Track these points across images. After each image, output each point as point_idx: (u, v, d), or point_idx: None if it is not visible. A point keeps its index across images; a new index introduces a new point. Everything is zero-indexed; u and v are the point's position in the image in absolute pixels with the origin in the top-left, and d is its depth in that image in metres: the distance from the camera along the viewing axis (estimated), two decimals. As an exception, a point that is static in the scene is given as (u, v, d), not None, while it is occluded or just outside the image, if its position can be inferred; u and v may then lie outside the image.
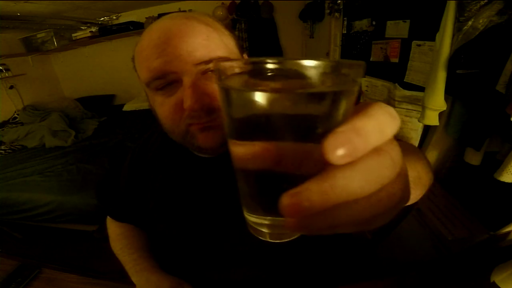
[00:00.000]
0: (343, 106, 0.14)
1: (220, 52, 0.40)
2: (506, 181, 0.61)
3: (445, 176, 0.98)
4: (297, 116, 0.13)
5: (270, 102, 0.13)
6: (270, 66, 0.14)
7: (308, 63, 0.13)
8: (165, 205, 0.54)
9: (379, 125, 0.12)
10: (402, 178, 0.14)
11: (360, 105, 0.13)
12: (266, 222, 0.17)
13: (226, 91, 0.15)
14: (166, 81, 0.39)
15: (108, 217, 0.68)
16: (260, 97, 0.13)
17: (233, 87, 0.15)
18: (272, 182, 0.15)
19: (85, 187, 1.55)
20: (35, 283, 0.62)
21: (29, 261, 0.67)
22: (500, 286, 0.49)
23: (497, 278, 0.50)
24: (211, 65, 0.39)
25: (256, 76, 0.15)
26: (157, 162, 0.56)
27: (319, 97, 0.13)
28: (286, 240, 0.17)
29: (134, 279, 0.55)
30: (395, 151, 0.13)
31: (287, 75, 0.14)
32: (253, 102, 0.14)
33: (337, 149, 0.11)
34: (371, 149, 0.12)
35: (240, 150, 0.15)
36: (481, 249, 0.71)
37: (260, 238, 0.18)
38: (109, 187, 1.58)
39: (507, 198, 0.69)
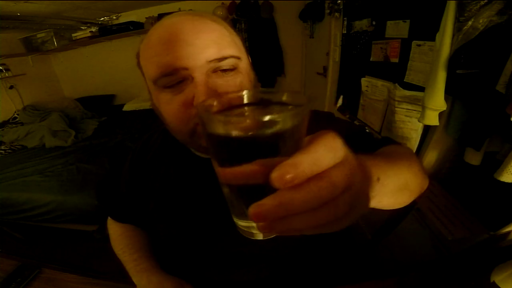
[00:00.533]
0: (293, 136, 0.18)
1: (231, 50, 0.40)
2: (506, 181, 0.61)
3: (445, 176, 0.98)
4: (261, 142, 0.18)
5: (244, 142, 0.18)
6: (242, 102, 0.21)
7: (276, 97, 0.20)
8: (166, 206, 0.53)
9: (314, 159, 0.16)
10: (350, 194, 0.17)
11: (315, 135, 0.17)
12: (252, 224, 0.21)
13: (212, 135, 0.19)
14: (175, 78, 0.38)
15: (108, 217, 0.68)
16: (237, 141, 0.18)
17: (219, 133, 0.18)
18: (250, 193, 0.19)
19: (85, 187, 1.55)
20: (35, 283, 0.62)
21: (29, 261, 0.67)
22: (500, 286, 0.49)
23: (497, 278, 0.50)
24: (223, 63, 0.38)
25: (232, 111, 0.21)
26: (157, 163, 0.56)
27: (276, 135, 0.17)
28: (269, 237, 0.22)
29: (135, 279, 0.55)
30: (337, 176, 0.16)
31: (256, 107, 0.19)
32: (232, 142, 0.18)
33: (280, 178, 0.15)
34: (312, 175, 0.16)
35: (224, 171, 0.19)
36: (481, 249, 0.71)
37: (249, 237, 0.23)
38: (109, 187, 1.58)
39: (507, 198, 0.69)
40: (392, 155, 0.38)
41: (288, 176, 0.15)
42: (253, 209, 0.16)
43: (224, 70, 0.39)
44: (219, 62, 0.38)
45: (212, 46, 0.38)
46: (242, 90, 0.24)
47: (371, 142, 0.46)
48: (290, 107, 0.21)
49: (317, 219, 0.16)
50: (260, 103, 0.23)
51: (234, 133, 0.18)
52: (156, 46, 0.38)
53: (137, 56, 0.45)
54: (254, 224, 0.20)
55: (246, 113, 0.22)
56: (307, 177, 0.16)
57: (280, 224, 0.16)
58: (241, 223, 0.22)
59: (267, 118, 0.17)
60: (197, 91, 0.37)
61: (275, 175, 0.15)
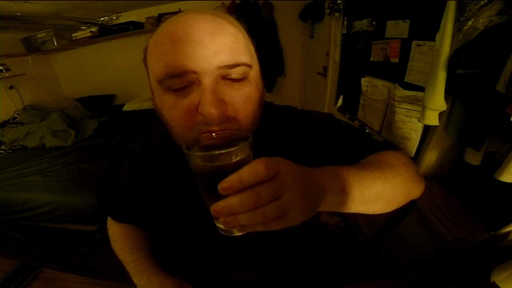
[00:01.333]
0: (242, 161, 0.29)
1: (244, 57, 0.38)
2: (506, 181, 0.61)
3: (445, 176, 0.98)
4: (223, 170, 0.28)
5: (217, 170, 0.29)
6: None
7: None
8: (166, 206, 0.53)
9: (239, 178, 0.24)
10: (279, 202, 0.25)
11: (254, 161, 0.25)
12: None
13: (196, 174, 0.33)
14: (183, 81, 0.36)
15: (108, 217, 0.68)
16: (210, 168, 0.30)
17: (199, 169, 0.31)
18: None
19: (85, 187, 1.55)
20: (35, 283, 0.62)
21: (29, 261, 0.67)
22: (500, 286, 0.49)
23: (497, 278, 0.50)
24: (233, 71, 0.37)
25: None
26: (157, 163, 0.56)
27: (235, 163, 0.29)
28: (242, 233, 0.30)
29: (135, 279, 0.55)
30: (261, 189, 0.25)
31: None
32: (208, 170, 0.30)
33: (220, 188, 0.25)
34: (244, 188, 0.25)
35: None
36: (481, 249, 0.71)
37: (228, 234, 0.33)
38: (109, 188, 1.58)
39: (507, 198, 0.69)
40: (373, 165, 0.39)
41: (223, 186, 0.25)
42: (212, 208, 0.26)
43: (233, 80, 0.38)
44: (230, 69, 0.36)
45: (226, 51, 0.36)
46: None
47: (366, 146, 0.46)
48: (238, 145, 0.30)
49: (254, 218, 0.25)
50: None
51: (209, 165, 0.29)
52: (167, 43, 0.36)
53: (145, 51, 0.43)
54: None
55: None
56: (237, 189, 0.25)
57: (232, 220, 0.25)
58: (220, 225, 0.31)
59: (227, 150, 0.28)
60: (203, 98, 0.35)
61: (219, 186, 0.25)
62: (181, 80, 0.36)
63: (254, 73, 0.41)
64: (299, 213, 0.26)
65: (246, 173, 0.24)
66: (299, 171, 0.28)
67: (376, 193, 0.35)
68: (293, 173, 0.27)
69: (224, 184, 0.25)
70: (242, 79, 0.39)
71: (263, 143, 0.39)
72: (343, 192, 0.32)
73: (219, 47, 0.35)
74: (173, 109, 0.38)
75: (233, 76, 0.38)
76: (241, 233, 0.30)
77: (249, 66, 0.39)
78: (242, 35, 0.40)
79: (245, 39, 0.41)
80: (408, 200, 0.41)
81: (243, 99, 0.39)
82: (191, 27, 0.35)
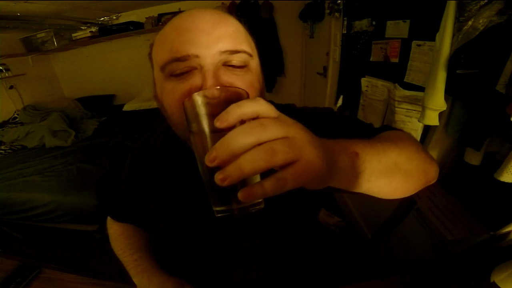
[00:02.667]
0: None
1: (245, 46, 0.39)
2: (506, 181, 0.61)
3: (445, 176, 0.98)
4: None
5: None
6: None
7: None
8: (166, 206, 0.53)
9: (238, 105, 0.22)
10: (289, 141, 0.21)
11: None
12: (227, 207, 0.26)
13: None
14: (185, 65, 0.37)
15: (108, 217, 0.68)
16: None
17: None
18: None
19: (85, 187, 1.55)
20: (35, 283, 0.62)
21: (29, 261, 0.67)
22: (500, 286, 0.49)
23: (497, 278, 0.50)
24: (234, 57, 0.38)
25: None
26: (158, 162, 0.56)
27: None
28: (244, 211, 0.26)
29: (135, 280, 0.55)
30: (266, 121, 0.22)
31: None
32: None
33: (218, 119, 0.22)
34: (244, 118, 0.22)
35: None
36: (481, 249, 0.71)
37: (224, 214, 0.26)
38: (109, 187, 1.58)
39: (507, 198, 0.69)
40: (382, 138, 0.37)
41: (221, 117, 0.22)
42: (207, 156, 0.21)
43: (234, 66, 0.39)
44: (232, 54, 0.37)
45: (227, 38, 0.37)
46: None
47: (369, 131, 0.46)
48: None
49: (260, 155, 0.20)
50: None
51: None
52: (173, 32, 0.38)
53: (150, 46, 0.44)
54: (233, 206, 0.25)
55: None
56: (236, 117, 0.22)
57: (232, 168, 0.20)
58: (218, 208, 0.26)
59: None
60: (205, 80, 0.36)
61: (215, 120, 0.22)
62: (183, 65, 0.37)
63: (255, 63, 0.42)
64: (314, 158, 0.22)
65: (246, 102, 0.22)
66: (305, 127, 0.25)
67: (393, 161, 0.32)
68: (299, 124, 0.24)
69: (221, 116, 0.22)
70: (243, 67, 0.39)
71: None
72: (357, 157, 0.29)
73: (221, 34, 0.37)
74: (172, 95, 0.38)
75: (234, 63, 0.38)
76: (241, 207, 0.25)
77: (250, 54, 0.40)
78: (242, 28, 0.41)
79: (246, 33, 0.42)
80: (426, 178, 0.38)
81: (245, 84, 0.39)
82: (196, 18, 0.37)
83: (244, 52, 0.39)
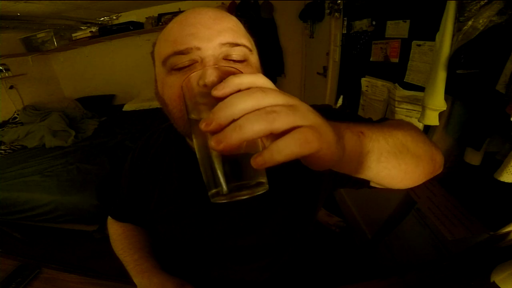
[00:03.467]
0: None
1: (244, 41, 0.40)
2: (506, 181, 0.61)
3: (445, 176, 0.98)
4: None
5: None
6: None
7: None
8: (166, 205, 0.53)
9: (237, 77, 0.21)
10: (292, 107, 0.20)
11: None
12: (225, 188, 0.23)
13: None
14: (186, 58, 0.37)
15: (109, 217, 0.68)
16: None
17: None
18: (224, 159, 0.23)
19: (85, 187, 1.55)
20: (35, 283, 0.62)
21: (29, 261, 0.67)
22: (500, 286, 0.49)
23: (497, 278, 0.50)
24: (235, 50, 0.38)
25: None
26: (158, 162, 0.56)
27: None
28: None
29: (136, 279, 0.55)
30: (266, 89, 0.21)
31: None
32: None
33: (216, 88, 0.21)
34: (242, 87, 0.21)
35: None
36: (481, 249, 0.71)
37: (221, 199, 0.24)
38: (109, 187, 1.58)
39: (507, 198, 0.69)
40: (385, 124, 0.36)
41: (222, 86, 0.21)
42: (202, 120, 0.20)
43: (235, 61, 0.39)
44: (232, 47, 0.38)
45: (228, 31, 0.38)
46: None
47: (370, 122, 0.45)
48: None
49: (260, 118, 0.19)
50: None
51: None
52: (174, 27, 0.39)
53: (153, 44, 0.44)
54: (225, 188, 0.23)
55: None
56: (235, 86, 0.21)
57: (230, 128, 0.19)
58: (214, 191, 0.24)
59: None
60: (205, 70, 0.36)
61: (213, 90, 0.22)
62: (185, 58, 0.37)
63: (254, 58, 0.43)
64: (319, 125, 0.21)
65: (245, 74, 0.22)
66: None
67: (401, 142, 0.31)
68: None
69: (219, 85, 0.21)
70: (243, 61, 0.40)
71: None
72: (364, 135, 0.27)
73: (222, 28, 0.38)
74: (173, 88, 0.38)
75: (234, 57, 0.39)
76: (239, 184, 0.23)
77: (249, 49, 0.40)
78: (241, 25, 0.42)
79: (245, 30, 0.43)
80: (434, 164, 0.37)
81: None
82: (198, 14, 0.39)
83: (244, 46, 0.39)
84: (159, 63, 0.41)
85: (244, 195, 0.24)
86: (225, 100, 0.20)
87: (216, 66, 0.32)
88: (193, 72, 0.29)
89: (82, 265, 1.50)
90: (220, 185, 0.23)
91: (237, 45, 0.38)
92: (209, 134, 0.21)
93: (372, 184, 0.44)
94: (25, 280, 0.61)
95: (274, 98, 0.20)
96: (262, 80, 0.22)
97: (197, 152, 0.25)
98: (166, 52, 0.38)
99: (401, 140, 0.31)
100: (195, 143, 0.25)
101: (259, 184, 0.24)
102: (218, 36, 0.37)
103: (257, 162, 0.19)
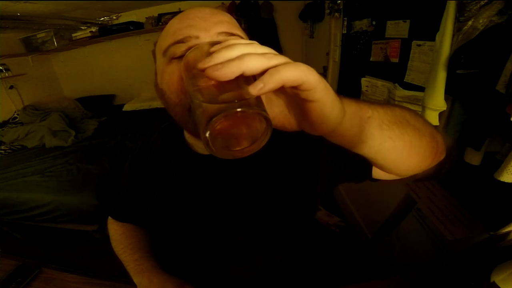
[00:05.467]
0: None
1: (240, 33, 0.42)
2: (506, 181, 0.61)
3: (445, 176, 0.98)
4: None
5: None
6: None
7: None
8: (166, 204, 0.54)
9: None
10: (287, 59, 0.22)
11: None
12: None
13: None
14: (185, 47, 0.38)
15: (109, 217, 0.68)
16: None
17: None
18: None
19: (85, 187, 1.55)
20: (35, 283, 0.62)
21: (29, 261, 0.67)
22: (500, 286, 0.49)
23: (497, 278, 0.50)
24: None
25: None
26: (158, 161, 0.56)
27: None
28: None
29: (136, 279, 0.55)
30: (253, 42, 0.23)
31: None
32: None
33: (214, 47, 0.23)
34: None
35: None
36: (481, 249, 0.71)
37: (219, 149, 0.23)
38: (109, 187, 1.58)
39: (507, 198, 0.69)
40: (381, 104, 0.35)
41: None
42: (201, 62, 0.21)
43: None
44: (228, 36, 0.39)
45: (224, 23, 0.40)
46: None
47: None
48: None
49: (258, 55, 0.20)
50: None
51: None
52: (175, 22, 0.41)
53: (155, 43, 0.45)
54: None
55: None
56: (230, 43, 0.22)
57: (230, 61, 0.20)
58: (210, 144, 0.22)
59: None
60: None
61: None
62: (184, 46, 0.38)
63: None
64: (314, 74, 0.22)
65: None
66: None
67: (400, 115, 0.31)
68: None
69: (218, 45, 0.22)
70: None
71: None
72: (363, 103, 0.28)
73: (218, 20, 0.40)
74: (171, 75, 0.39)
75: None
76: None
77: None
78: (237, 23, 0.44)
79: (241, 28, 0.44)
80: (437, 145, 0.36)
81: None
82: (196, 11, 0.41)
83: (240, 36, 0.41)
84: (159, 55, 0.42)
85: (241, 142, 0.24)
86: (223, 43, 0.22)
87: (220, 32, 0.36)
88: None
89: (82, 265, 1.50)
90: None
91: (233, 34, 0.40)
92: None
93: (374, 176, 0.44)
94: (25, 280, 0.61)
95: (270, 49, 0.22)
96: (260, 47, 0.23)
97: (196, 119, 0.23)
98: (166, 43, 0.40)
99: (400, 113, 0.31)
100: (196, 122, 0.23)
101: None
102: (215, 26, 0.39)
103: (256, 85, 0.20)
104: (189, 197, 0.51)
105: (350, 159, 0.45)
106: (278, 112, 0.27)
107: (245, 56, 0.20)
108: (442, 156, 0.39)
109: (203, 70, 0.21)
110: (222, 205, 0.49)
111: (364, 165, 0.44)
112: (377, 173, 0.43)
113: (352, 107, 0.26)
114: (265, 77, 0.20)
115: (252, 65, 0.20)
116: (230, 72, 0.20)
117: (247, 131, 0.23)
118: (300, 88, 0.21)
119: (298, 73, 0.21)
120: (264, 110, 0.22)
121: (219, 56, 0.21)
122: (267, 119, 0.22)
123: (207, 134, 0.21)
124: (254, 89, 0.20)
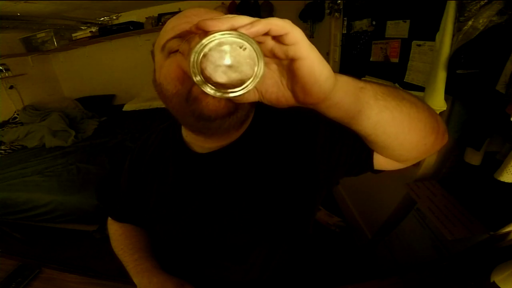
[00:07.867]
0: None
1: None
2: (506, 181, 0.61)
3: (445, 176, 0.98)
4: None
5: None
6: None
7: None
8: (164, 204, 0.54)
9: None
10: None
11: None
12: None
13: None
14: (183, 41, 0.37)
15: (109, 217, 0.68)
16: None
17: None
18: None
19: (85, 187, 1.55)
20: (35, 283, 0.62)
21: (29, 261, 0.67)
22: (500, 286, 0.49)
23: (497, 278, 0.50)
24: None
25: None
26: (156, 161, 0.56)
27: None
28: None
29: (135, 279, 0.55)
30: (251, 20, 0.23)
31: None
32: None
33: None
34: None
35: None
36: (481, 249, 0.71)
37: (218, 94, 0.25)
38: (109, 187, 1.58)
39: (507, 198, 0.69)
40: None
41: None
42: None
43: None
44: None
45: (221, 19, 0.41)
46: None
47: None
48: None
49: (257, 22, 0.22)
50: None
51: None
52: (171, 21, 0.42)
53: (153, 44, 0.46)
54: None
55: None
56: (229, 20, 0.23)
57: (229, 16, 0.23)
58: (197, 78, 0.24)
59: None
60: None
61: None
62: (181, 41, 0.38)
63: None
64: (309, 46, 0.23)
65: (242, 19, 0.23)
66: None
67: (394, 89, 0.31)
68: None
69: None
70: None
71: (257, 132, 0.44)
72: (357, 79, 0.28)
73: (214, 16, 0.39)
74: (169, 67, 0.40)
75: None
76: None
77: None
78: None
79: None
80: (438, 125, 0.36)
81: None
82: (193, 10, 0.42)
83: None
84: (158, 52, 0.42)
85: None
86: (223, 16, 0.23)
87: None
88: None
89: (82, 265, 1.50)
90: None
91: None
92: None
93: (376, 167, 0.42)
94: (25, 280, 0.61)
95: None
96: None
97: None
98: (164, 39, 0.40)
99: (393, 88, 0.31)
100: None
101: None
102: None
103: (244, 26, 0.22)
104: (187, 196, 0.51)
105: (349, 147, 0.43)
106: (271, 84, 0.28)
107: (236, 16, 0.23)
108: (445, 139, 0.38)
109: (198, 28, 0.23)
110: (221, 204, 0.49)
111: (364, 153, 0.41)
112: (379, 162, 0.41)
113: (343, 77, 0.27)
114: (254, 21, 0.22)
115: (242, 20, 0.22)
116: (221, 24, 0.22)
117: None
118: (286, 41, 0.23)
119: (283, 23, 0.22)
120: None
121: (217, 22, 0.23)
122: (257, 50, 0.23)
123: (199, 77, 0.24)
124: (242, 28, 0.22)
